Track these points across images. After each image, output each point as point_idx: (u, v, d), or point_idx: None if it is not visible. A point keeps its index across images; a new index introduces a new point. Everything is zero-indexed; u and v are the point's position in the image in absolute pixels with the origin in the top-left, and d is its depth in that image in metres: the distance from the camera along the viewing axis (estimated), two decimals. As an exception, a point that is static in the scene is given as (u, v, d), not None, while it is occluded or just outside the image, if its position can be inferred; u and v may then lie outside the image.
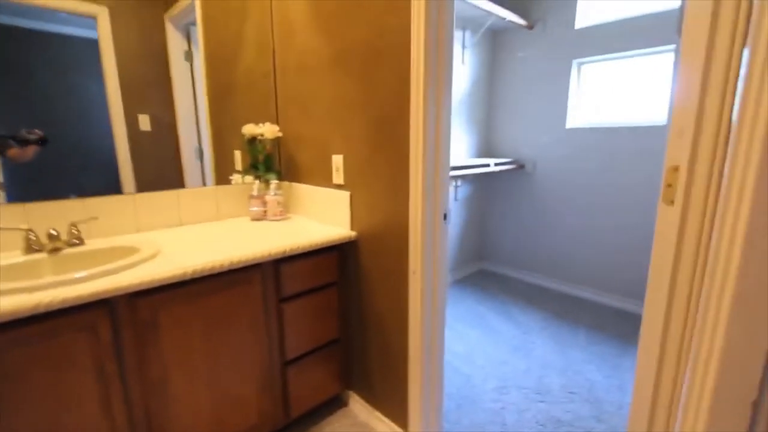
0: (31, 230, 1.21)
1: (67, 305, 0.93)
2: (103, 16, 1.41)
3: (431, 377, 1.40)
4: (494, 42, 3.20)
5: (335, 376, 1.63)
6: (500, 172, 3.23)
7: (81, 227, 1.34)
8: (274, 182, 1.74)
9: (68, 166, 1.40)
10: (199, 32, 1.66)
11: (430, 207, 1.26)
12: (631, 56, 2.56)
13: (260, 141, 1.77)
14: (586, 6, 2.70)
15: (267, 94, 1.85)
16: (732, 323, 0.61)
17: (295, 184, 1.84)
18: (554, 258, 3.07)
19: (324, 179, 1.65)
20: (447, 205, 1.30)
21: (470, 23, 2.91)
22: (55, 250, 1.22)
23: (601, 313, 2.67)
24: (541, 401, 1.78)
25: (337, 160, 1.54)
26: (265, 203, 1.72)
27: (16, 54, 1.27)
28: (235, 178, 1.81)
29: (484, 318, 2.61)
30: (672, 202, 0.74)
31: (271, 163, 1.81)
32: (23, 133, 1.29)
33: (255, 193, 1.72)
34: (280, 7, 1.73)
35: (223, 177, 1.79)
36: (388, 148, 1.34)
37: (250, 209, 1.73)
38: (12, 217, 1.25)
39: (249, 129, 1.75)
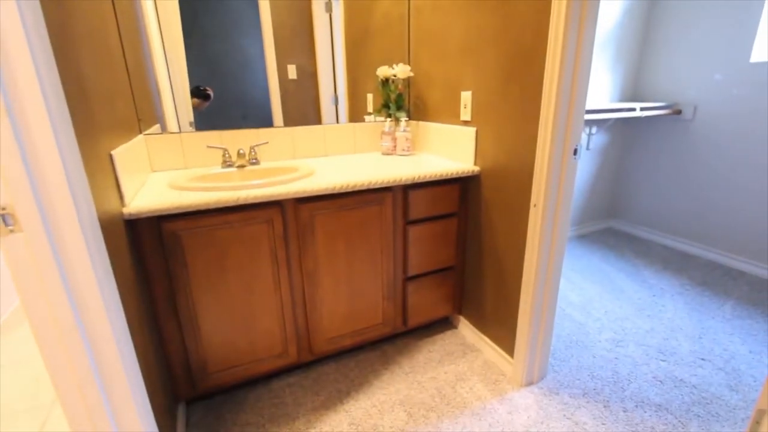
0: (226, 150, 1.59)
1: (256, 201, 1.24)
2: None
3: (542, 309, 1.45)
4: (661, -39, 2.68)
5: (448, 299, 1.80)
6: (646, 118, 2.83)
7: (256, 149, 1.70)
8: (403, 120, 1.88)
9: (231, 111, 1.72)
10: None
11: (559, 141, 1.25)
12: None
13: (393, 81, 1.90)
14: None
15: (401, 37, 1.95)
16: None
17: (422, 123, 1.95)
18: (708, 221, 2.65)
19: (451, 117, 1.72)
20: (579, 139, 1.27)
21: (631, -60, 2.47)
22: (241, 166, 1.59)
23: (761, 287, 2.28)
24: (663, 360, 1.69)
25: (466, 96, 1.59)
26: (395, 139, 1.89)
27: (198, 20, 1.58)
28: (368, 118, 2.01)
29: (608, 275, 2.46)
30: None
31: (401, 102, 1.95)
32: (201, 88, 1.63)
33: (386, 129, 1.89)
34: (419, -55, 1.76)
35: (356, 118, 1.99)
36: (519, 82, 1.34)
37: (382, 144, 1.92)
38: (213, 139, 1.65)
39: (383, 71, 1.89)
